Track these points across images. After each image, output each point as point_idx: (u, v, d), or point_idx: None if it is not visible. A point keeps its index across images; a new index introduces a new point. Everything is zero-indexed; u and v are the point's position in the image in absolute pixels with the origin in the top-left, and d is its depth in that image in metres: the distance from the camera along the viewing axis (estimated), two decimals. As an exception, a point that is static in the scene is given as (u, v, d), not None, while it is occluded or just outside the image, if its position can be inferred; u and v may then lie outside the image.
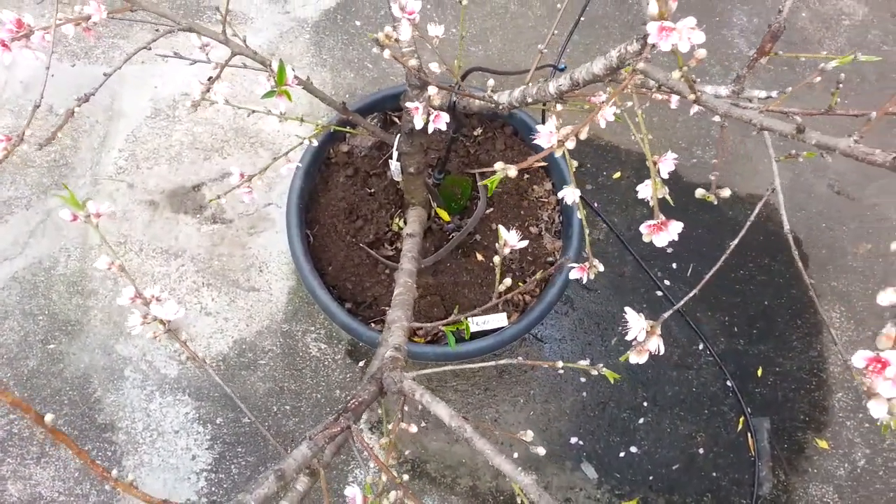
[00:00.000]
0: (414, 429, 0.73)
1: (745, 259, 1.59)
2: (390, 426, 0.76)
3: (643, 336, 0.62)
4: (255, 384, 1.44)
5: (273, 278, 1.52)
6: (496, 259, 0.70)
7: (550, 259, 1.30)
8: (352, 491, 0.66)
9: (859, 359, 0.36)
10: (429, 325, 0.80)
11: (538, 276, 0.83)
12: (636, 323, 0.61)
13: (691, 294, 0.68)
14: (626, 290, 1.57)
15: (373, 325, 1.22)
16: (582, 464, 1.46)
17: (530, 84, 0.89)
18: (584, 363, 0.70)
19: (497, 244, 0.71)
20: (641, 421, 1.48)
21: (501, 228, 0.70)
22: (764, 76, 1.73)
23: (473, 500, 1.42)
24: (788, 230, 0.66)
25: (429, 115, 0.75)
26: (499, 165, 0.56)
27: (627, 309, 0.62)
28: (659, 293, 1.57)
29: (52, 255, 1.47)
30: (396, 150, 1.10)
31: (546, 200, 1.34)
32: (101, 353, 1.43)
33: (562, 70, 1.58)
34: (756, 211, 0.69)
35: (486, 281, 1.27)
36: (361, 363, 1.48)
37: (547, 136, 0.59)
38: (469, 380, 1.49)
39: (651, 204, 0.68)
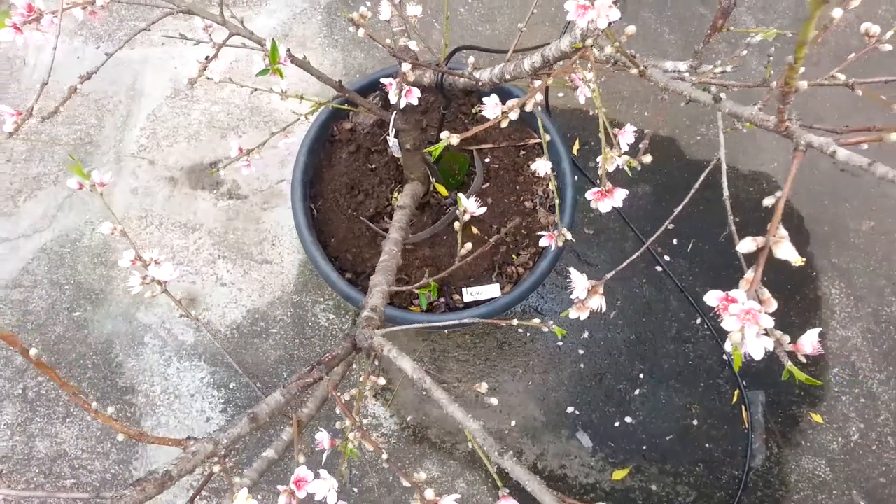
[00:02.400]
0: (382, 381, 0.79)
1: (745, 235, 1.61)
2: (361, 378, 0.82)
3: (584, 294, 0.66)
4: (267, 351, 1.52)
5: (285, 251, 1.59)
6: (456, 225, 0.76)
7: (543, 233, 1.34)
8: (321, 435, 0.72)
9: (712, 298, 0.41)
10: (405, 288, 0.85)
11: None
12: (579, 282, 0.66)
13: (650, 241, 0.72)
14: (628, 265, 1.60)
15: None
16: (577, 433, 1.51)
17: (508, 62, 0.94)
18: (536, 321, 0.75)
19: (459, 212, 0.76)
20: (637, 392, 1.53)
21: (461, 196, 0.75)
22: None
23: (471, 465, 1.48)
24: (727, 196, 0.70)
25: (401, 90, 0.80)
26: (444, 134, 0.61)
27: (571, 269, 0.67)
28: (659, 268, 1.60)
29: (78, 228, 1.57)
30: (393, 126, 1.15)
31: (542, 175, 1.38)
32: (122, 321, 1.52)
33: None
34: (701, 178, 0.72)
35: (481, 254, 1.32)
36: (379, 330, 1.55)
37: (492, 107, 0.64)
38: (470, 350, 1.55)
39: (600, 172, 0.72)
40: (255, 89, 1.05)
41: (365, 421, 1.50)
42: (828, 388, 1.52)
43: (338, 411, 1.50)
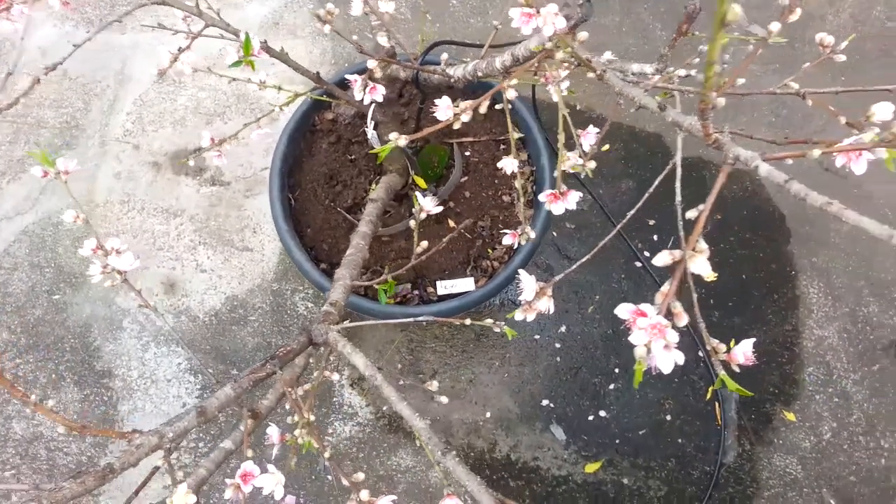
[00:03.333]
0: (336, 376, 0.80)
1: (727, 232, 1.62)
2: (315, 373, 0.83)
3: (532, 296, 0.67)
4: (245, 339, 1.53)
5: (266, 239, 1.59)
6: (411, 223, 0.76)
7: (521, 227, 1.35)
8: (272, 430, 0.73)
9: (623, 311, 0.41)
10: (364, 283, 0.86)
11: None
12: (528, 284, 0.67)
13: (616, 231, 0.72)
14: (606, 261, 1.61)
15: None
16: (551, 425, 1.52)
17: (482, 59, 0.94)
18: (488, 321, 0.76)
19: (414, 209, 0.76)
20: (612, 387, 1.54)
21: (417, 194, 0.75)
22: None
23: (446, 455, 1.49)
24: (679, 201, 0.70)
25: (365, 87, 0.80)
26: (393, 135, 0.62)
27: (521, 271, 0.67)
28: (638, 264, 1.60)
29: (60, 211, 1.57)
30: (372, 119, 1.16)
31: (520, 170, 1.38)
32: (101, 305, 1.53)
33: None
34: (656, 182, 0.72)
35: (456, 247, 1.33)
36: (346, 321, 1.56)
37: (444, 109, 0.64)
38: (447, 342, 1.56)
39: (555, 175, 0.73)
40: (233, 79, 1.05)
41: (342, 409, 1.52)
42: (802, 386, 1.53)
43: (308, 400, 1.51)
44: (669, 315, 0.43)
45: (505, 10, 1.79)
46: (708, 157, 1.65)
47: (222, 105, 1.64)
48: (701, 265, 0.42)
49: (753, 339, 0.59)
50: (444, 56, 0.94)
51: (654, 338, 0.40)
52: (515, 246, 0.89)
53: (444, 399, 0.76)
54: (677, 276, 0.43)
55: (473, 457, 1.50)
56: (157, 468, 0.66)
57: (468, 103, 0.64)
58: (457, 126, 0.64)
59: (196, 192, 1.60)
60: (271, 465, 0.69)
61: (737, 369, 0.64)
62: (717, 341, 0.66)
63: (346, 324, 0.80)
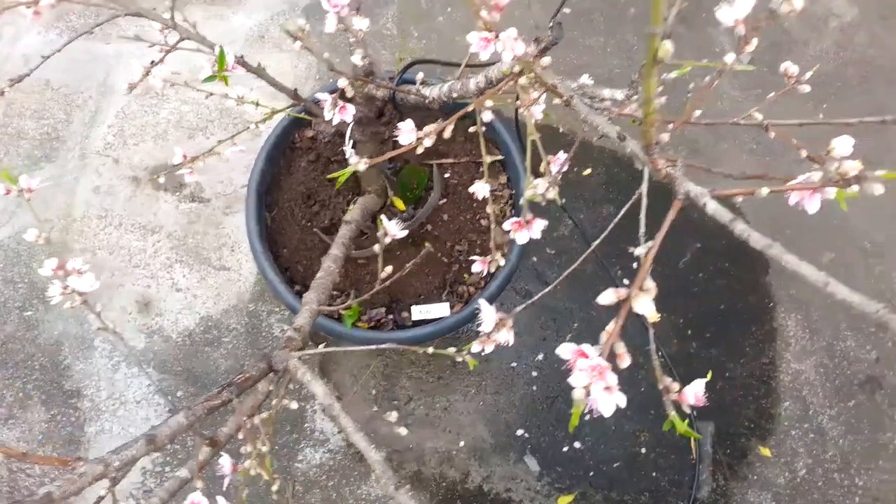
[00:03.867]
0: (294, 405, 0.78)
1: (706, 262, 1.61)
2: (275, 401, 0.81)
3: (490, 327, 0.66)
4: (218, 360, 1.51)
5: (244, 258, 1.58)
6: (376, 248, 0.75)
7: (498, 255, 1.34)
8: (224, 460, 0.71)
9: (566, 351, 0.40)
10: (329, 308, 0.85)
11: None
12: (488, 315, 0.66)
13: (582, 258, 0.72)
14: (585, 287, 1.60)
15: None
16: (525, 456, 1.50)
17: (457, 80, 0.94)
18: (451, 350, 0.75)
19: (379, 234, 0.75)
20: (587, 418, 1.51)
21: (383, 217, 0.75)
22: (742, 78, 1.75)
23: (417, 485, 1.47)
24: (642, 233, 0.70)
25: (335, 105, 0.79)
26: (353, 160, 0.61)
27: (482, 301, 0.66)
28: (617, 294, 1.60)
29: (36, 226, 1.56)
30: (350, 138, 1.15)
31: (500, 194, 1.38)
32: (74, 323, 1.51)
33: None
34: (623, 210, 0.72)
35: (432, 270, 1.32)
36: (322, 344, 1.54)
37: (407, 133, 0.63)
38: (423, 368, 1.54)
39: (521, 203, 0.72)
40: (210, 94, 1.05)
41: (313, 436, 1.49)
42: (778, 421, 1.52)
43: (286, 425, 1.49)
44: (612, 356, 0.42)
45: (496, 27, 1.80)
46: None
47: (205, 119, 1.64)
48: (644, 306, 0.41)
49: (705, 380, 0.58)
50: (420, 76, 0.93)
51: (595, 380, 0.39)
52: (484, 273, 0.88)
53: (402, 431, 0.74)
54: (622, 316, 0.42)
55: (445, 487, 1.48)
56: (101, 498, 0.64)
57: (431, 127, 0.64)
58: (419, 151, 0.64)
59: (175, 208, 1.59)
60: (221, 498, 0.67)
61: (687, 409, 0.63)
62: (669, 379, 0.65)
63: (308, 351, 0.78)
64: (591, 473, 1.49)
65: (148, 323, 1.52)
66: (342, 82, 0.78)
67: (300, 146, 1.36)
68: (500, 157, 1.36)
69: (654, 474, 1.49)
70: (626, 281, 1.60)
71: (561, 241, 1.64)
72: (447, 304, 1.29)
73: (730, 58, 0.53)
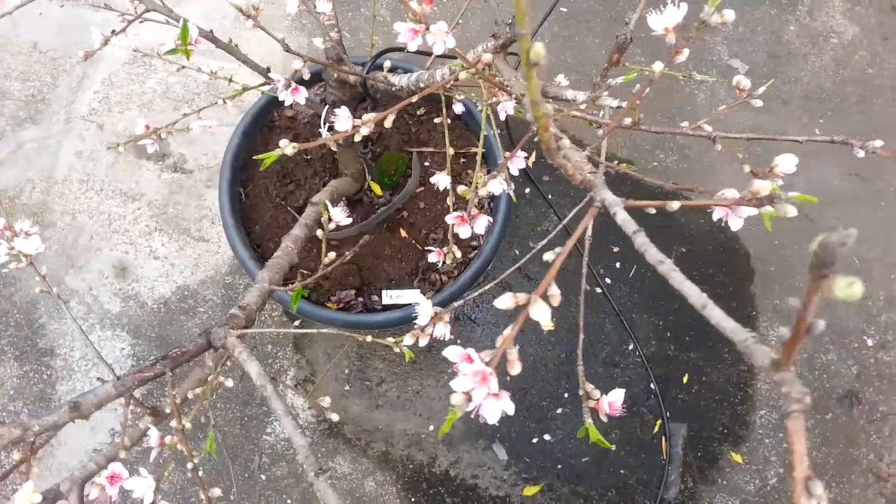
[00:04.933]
0: (230, 383, 0.77)
1: (691, 266, 1.59)
2: (210, 377, 0.80)
3: (426, 321, 0.64)
4: (192, 329, 1.51)
5: (223, 231, 1.57)
6: (319, 233, 0.74)
7: (474, 243, 1.33)
8: (152, 433, 0.71)
9: (452, 354, 0.39)
10: (280, 288, 0.84)
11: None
12: (424, 309, 0.64)
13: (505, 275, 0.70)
14: (567, 284, 1.58)
15: (288, 285, 1.26)
16: (494, 444, 1.50)
17: (424, 70, 0.92)
18: (390, 340, 0.73)
19: (323, 220, 0.74)
20: (559, 411, 1.51)
21: (328, 203, 0.73)
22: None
23: (384, 465, 1.47)
24: (589, 237, 0.68)
25: (288, 87, 0.78)
26: (283, 142, 0.59)
27: (418, 295, 0.65)
28: (598, 290, 1.58)
29: (18, 185, 1.55)
30: (325, 121, 1.13)
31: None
32: (51, 282, 1.50)
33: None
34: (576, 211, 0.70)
35: (405, 257, 1.30)
36: (297, 322, 1.54)
37: (344, 120, 0.62)
38: (397, 351, 1.53)
39: (469, 197, 0.70)
40: (182, 67, 1.03)
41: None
42: (752, 428, 1.50)
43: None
44: (504, 361, 0.40)
45: (476, 18, 1.77)
46: (672, 185, 1.62)
47: (192, 92, 1.63)
48: (540, 313, 0.40)
49: (624, 391, 0.57)
50: (387, 64, 0.91)
51: (478, 385, 0.37)
52: (440, 264, 0.87)
53: (334, 416, 0.73)
54: (520, 322, 0.41)
55: (412, 469, 1.47)
56: (19, 462, 0.63)
57: (371, 116, 0.62)
58: (358, 139, 0.62)
59: (157, 177, 1.58)
60: (143, 469, 0.67)
61: (604, 419, 0.61)
62: (591, 386, 0.64)
63: (247, 329, 0.77)
64: (559, 466, 1.48)
65: (124, 288, 1.52)
66: (297, 63, 0.76)
67: (279, 125, 1.34)
68: (479, 150, 1.33)
69: (622, 472, 1.47)
70: (608, 280, 1.58)
71: (545, 235, 1.61)
72: (418, 291, 1.28)
73: (658, 66, 0.50)
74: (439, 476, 1.47)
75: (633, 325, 1.55)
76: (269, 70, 1.09)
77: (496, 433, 1.50)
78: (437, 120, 1.35)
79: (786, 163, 0.54)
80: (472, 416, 0.39)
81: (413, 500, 1.46)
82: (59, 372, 1.46)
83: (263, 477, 1.45)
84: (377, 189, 1.31)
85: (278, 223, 1.29)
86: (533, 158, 1.71)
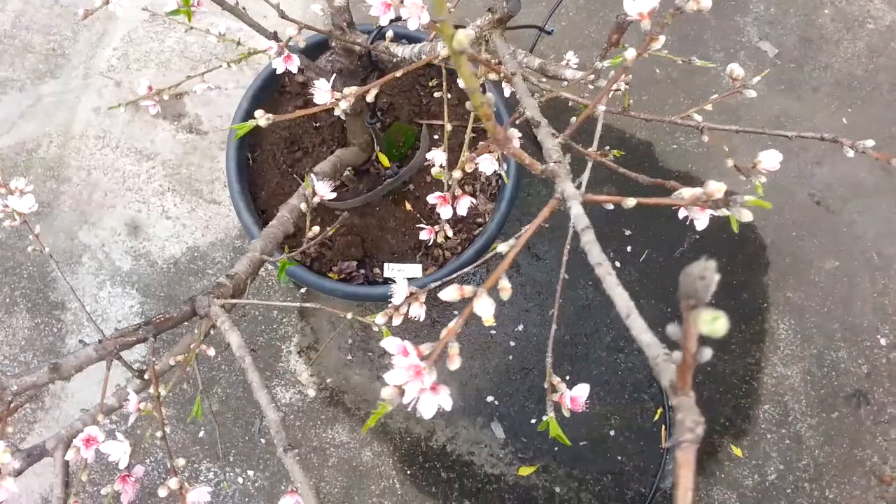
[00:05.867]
0: (212, 352, 0.78)
1: (703, 253, 1.55)
2: (192, 345, 0.81)
3: (401, 300, 0.64)
4: (200, 291, 1.52)
5: (236, 194, 1.58)
6: (303, 206, 0.73)
7: (479, 220, 1.31)
8: (132, 397, 0.71)
9: (391, 345, 0.38)
10: (270, 259, 0.84)
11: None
12: (400, 288, 0.63)
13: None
14: (575, 265, 1.56)
15: (288, 252, 1.27)
16: (493, 422, 1.50)
17: (426, 42, 0.90)
18: (370, 318, 0.73)
19: (307, 193, 0.73)
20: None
21: (312, 177, 0.72)
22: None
23: (382, 436, 1.48)
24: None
25: (280, 53, 0.76)
26: (258, 113, 0.58)
27: (397, 276, 0.64)
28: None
29: (36, 139, 1.57)
30: (332, 89, 1.12)
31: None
32: (64, 237, 1.53)
33: (549, 33, 1.55)
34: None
35: (409, 230, 1.29)
36: (303, 289, 1.54)
37: (322, 93, 0.60)
38: (402, 324, 1.53)
39: (447, 181, 0.69)
40: (191, 28, 1.03)
41: (285, 376, 1.50)
42: (755, 423, 1.48)
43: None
44: (445, 353, 0.39)
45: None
46: (696, 173, 1.58)
47: (209, 52, 1.62)
48: (483, 307, 0.39)
49: (588, 386, 0.55)
50: (389, 33, 0.90)
51: (412, 379, 0.36)
52: (430, 242, 0.86)
53: (311, 392, 0.73)
54: (465, 315, 0.40)
55: (409, 441, 1.48)
56: (-5, 421, 0.64)
57: (353, 89, 0.61)
58: (337, 112, 0.61)
59: (172, 137, 1.59)
60: (119, 434, 0.67)
61: (567, 413, 0.60)
62: (558, 379, 0.63)
63: (231, 300, 0.77)
64: (556, 448, 1.47)
65: (135, 246, 1.54)
66: (291, 31, 0.74)
67: (290, 90, 1.33)
68: (469, 128, 1.31)
69: (619, 458, 1.47)
70: (617, 264, 1.56)
71: (557, 216, 1.58)
72: (420, 266, 1.27)
73: (630, 54, 0.48)
74: (436, 450, 1.48)
75: (641, 310, 1.51)
76: (275, 34, 1.08)
77: (495, 412, 1.50)
78: (444, 94, 1.33)
79: (769, 159, 0.52)
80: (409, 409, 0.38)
81: (409, 472, 1.47)
82: (68, 326, 1.49)
83: (263, 441, 1.47)
84: (385, 160, 1.30)
85: (283, 190, 1.29)
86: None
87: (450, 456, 1.48)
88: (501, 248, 0.42)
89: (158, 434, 0.62)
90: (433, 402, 0.38)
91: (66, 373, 0.67)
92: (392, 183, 1.27)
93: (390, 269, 1.27)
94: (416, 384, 0.36)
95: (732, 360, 1.51)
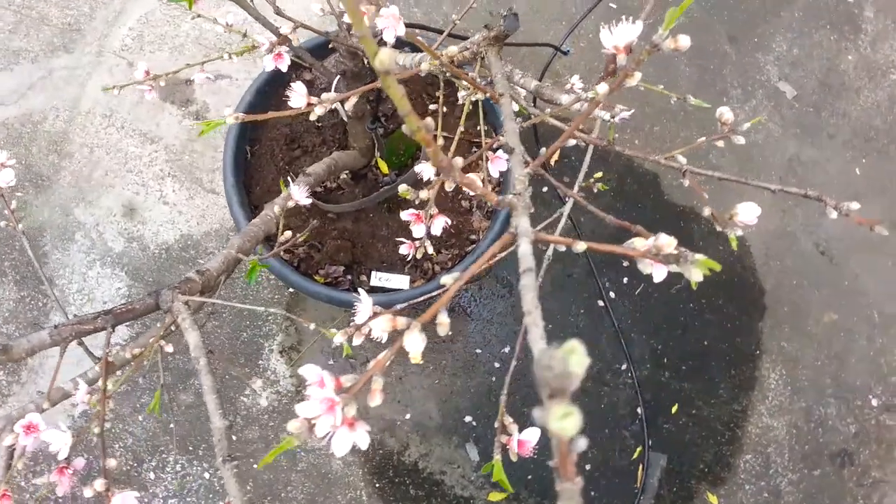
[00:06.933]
0: (170, 348, 0.76)
1: (700, 293, 1.53)
2: (151, 339, 0.79)
3: (364, 319, 0.61)
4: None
5: (235, 186, 1.56)
6: (276, 209, 0.71)
7: (473, 237, 1.29)
8: (81, 388, 0.70)
9: (311, 373, 0.36)
10: (246, 257, 0.82)
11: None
12: (365, 305, 0.61)
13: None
14: (570, 291, 1.54)
15: (282, 253, 1.25)
16: (468, 443, 1.47)
17: (426, 52, 0.88)
18: (333, 331, 0.71)
19: (282, 197, 0.71)
20: (539, 421, 1.47)
21: (289, 180, 0.70)
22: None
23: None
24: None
25: (271, 51, 0.75)
26: (228, 111, 0.57)
27: (360, 290, 0.62)
28: (601, 303, 1.53)
29: (42, 111, 1.57)
30: (335, 90, 1.11)
31: (489, 179, 1.32)
32: (59, 212, 1.52)
33: (565, 53, 1.53)
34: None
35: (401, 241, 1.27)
36: (291, 288, 1.53)
37: (298, 97, 0.59)
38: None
39: (426, 197, 0.67)
40: (198, 15, 1.02)
41: (264, 374, 1.49)
42: (735, 472, 1.45)
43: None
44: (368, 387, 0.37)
45: (532, 5, 1.71)
46: (700, 208, 1.55)
47: (224, 41, 1.61)
48: (413, 342, 0.37)
49: (539, 431, 0.53)
50: (391, 42, 0.88)
51: (324, 413, 0.34)
52: (409, 257, 0.84)
53: (263, 402, 0.71)
54: (394, 349, 0.38)
55: (382, 454, 1.46)
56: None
57: (331, 95, 0.59)
58: (313, 117, 0.59)
59: (178, 122, 1.58)
60: (62, 423, 0.66)
61: (514, 458, 0.58)
62: (510, 419, 0.61)
63: (197, 297, 0.76)
64: (529, 477, 1.45)
65: (130, 228, 1.53)
66: (285, 28, 0.73)
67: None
68: (454, 141, 1.29)
69: (592, 493, 1.44)
70: (612, 294, 1.53)
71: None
72: (407, 278, 1.25)
73: (602, 88, 0.46)
74: (408, 466, 1.46)
75: (631, 344, 1.50)
76: (279, 31, 1.06)
77: (472, 432, 1.47)
78: (440, 106, 1.32)
79: (746, 212, 0.49)
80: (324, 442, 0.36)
81: (377, 485, 1.45)
82: (54, 302, 1.48)
83: (234, 437, 1.45)
84: (384, 167, 1.28)
85: (278, 188, 1.27)
86: (556, 157, 1.65)
87: (421, 473, 1.46)
88: (445, 279, 0.40)
89: (96, 430, 0.61)
90: (348, 439, 0.36)
91: (17, 355, 0.66)
92: (388, 191, 1.26)
93: (377, 278, 1.26)
94: (328, 419, 0.34)
95: (719, 404, 1.48)
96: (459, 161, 0.35)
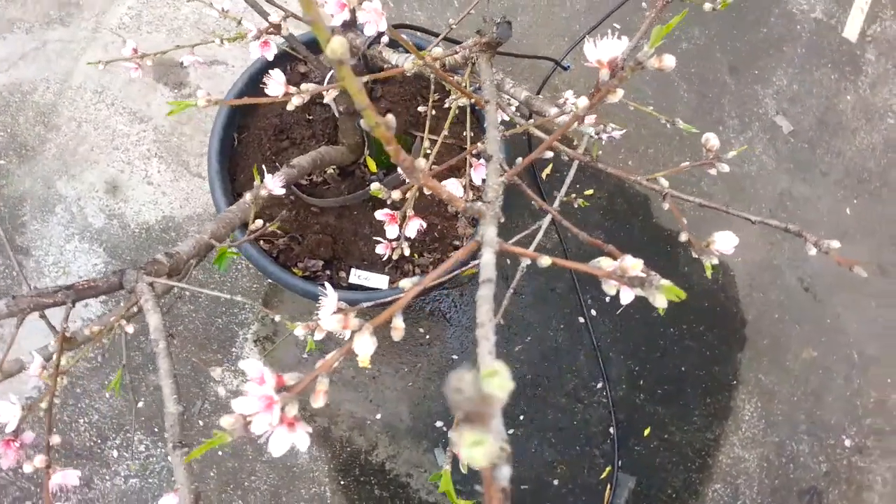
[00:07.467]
0: (130, 329, 0.74)
1: (681, 319, 1.52)
2: (112, 319, 0.77)
3: (329, 313, 0.60)
4: (166, 262, 1.49)
5: (223, 172, 1.55)
6: (247, 197, 0.70)
7: (456, 243, 1.28)
8: (35, 363, 0.68)
9: (251, 368, 0.34)
10: (218, 244, 0.80)
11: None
12: (330, 301, 0.60)
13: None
14: (552, 305, 1.53)
15: (261, 242, 1.23)
16: (437, 448, 1.46)
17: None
18: (297, 325, 0.69)
19: (256, 185, 0.70)
20: (511, 431, 1.46)
21: (263, 168, 0.69)
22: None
23: (322, 441, 1.44)
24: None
25: (258, 38, 0.74)
26: (200, 93, 0.55)
27: (326, 283, 0.61)
28: (581, 319, 1.52)
29: (33, 82, 1.55)
30: (328, 83, 1.09)
31: (477, 186, 1.31)
32: (41, 184, 1.50)
33: (565, 69, 1.52)
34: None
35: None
36: (269, 279, 1.51)
37: (276, 85, 0.57)
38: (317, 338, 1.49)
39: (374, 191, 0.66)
40: (194, -2, 1.00)
41: (236, 362, 1.47)
42: (702, 500, 1.44)
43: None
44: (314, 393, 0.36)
45: (536, 19, 1.70)
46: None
47: (222, 27, 1.60)
48: (363, 345, 0.35)
49: (508, 471, 0.52)
50: (385, 39, 0.87)
51: (263, 411, 0.33)
52: (385, 258, 0.82)
53: (221, 391, 0.69)
54: (343, 350, 0.36)
55: (349, 452, 1.44)
56: None
57: (310, 87, 0.58)
58: (290, 108, 0.58)
59: (169, 104, 1.56)
60: (13, 395, 0.64)
61: (464, 469, 0.57)
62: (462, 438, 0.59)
63: (163, 280, 0.74)
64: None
65: (111, 205, 1.51)
66: (274, 17, 0.72)
67: (290, 79, 1.30)
68: (436, 143, 1.28)
69: (556, 510, 1.42)
70: (593, 312, 1.52)
71: (540, 251, 1.55)
72: (387, 278, 1.24)
73: (582, 102, 0.44)
74: (375, 466, 1.44)
75: (608, 363, 1.49)
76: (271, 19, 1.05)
77: (442, 438, 1.46)
78: (429, 108, 1.31)
79: (723, 241, 0.48)
80: (260, 440, 0.34)
81: (342, 482, 1.43)
82: (29, 273, 1.46)
83: (201, 423, 1.43)
84: (372, 165, 1.27)
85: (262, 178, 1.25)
86: (548, 170, 1.64)
87: (387, 474, 1.44)
88: (404, 283, 0.39)
89: (43, 405, 0.59)
90: (286, 439, 0.34)
91: (-31, 326, 0.64)
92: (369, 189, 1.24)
93: (356, 276, 1.24)
94: (265, 417, 0.33)
95: (692, 431, 1.47)
96: (422, 162, 0.34)
